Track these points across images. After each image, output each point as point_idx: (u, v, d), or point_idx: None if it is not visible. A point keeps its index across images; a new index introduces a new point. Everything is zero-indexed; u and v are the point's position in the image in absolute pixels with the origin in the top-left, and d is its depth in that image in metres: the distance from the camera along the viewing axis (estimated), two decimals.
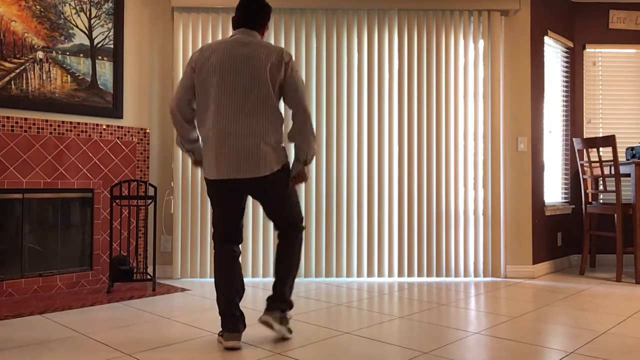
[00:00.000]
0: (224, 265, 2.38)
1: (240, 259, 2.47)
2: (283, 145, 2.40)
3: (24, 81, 3.38)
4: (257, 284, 3.79)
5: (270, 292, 3.34)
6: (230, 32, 3.99)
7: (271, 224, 3.97)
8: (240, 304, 3.17)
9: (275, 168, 2.33)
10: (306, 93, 2.43)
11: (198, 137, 2.47)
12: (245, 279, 3.93)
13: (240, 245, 2.49)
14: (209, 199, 3.97)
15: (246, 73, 2.30)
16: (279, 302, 2.43)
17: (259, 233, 3.99)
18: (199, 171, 3.97)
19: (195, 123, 2.43)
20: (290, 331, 2.47)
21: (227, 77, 2.30)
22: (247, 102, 2.29)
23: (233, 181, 2.32)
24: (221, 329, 2.37)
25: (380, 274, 4.01)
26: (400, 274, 4.02)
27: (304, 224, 2.61)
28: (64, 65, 3.56)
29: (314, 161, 3.98)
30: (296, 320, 2.80)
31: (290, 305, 2.48)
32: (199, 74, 2.34)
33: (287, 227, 2.47)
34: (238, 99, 2.29)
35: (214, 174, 2.33)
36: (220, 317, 2.43)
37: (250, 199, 3.99)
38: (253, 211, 3.99)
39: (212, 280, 3.92)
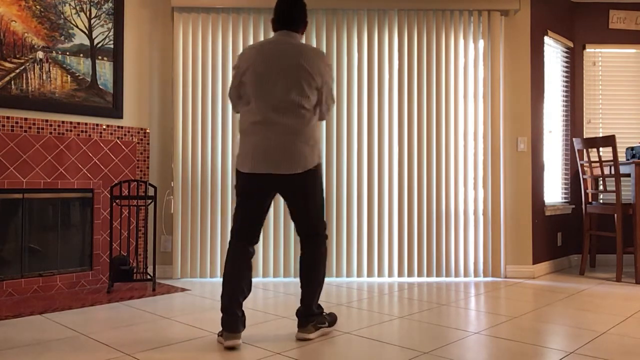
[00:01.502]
0: (235, 262, 2.38)
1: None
2: (318, 145, 2.44)
3: (24, 81, 3.38)
4: (257, 284, 3.79)
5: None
6: (231, 32, 4.00)
7: (272, 224, 3.98)
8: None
9: (309, 166, 2.37)
10: (334, 98, 2.56)
11: None
12: None
13: (255, 247, 2.50)
14: (204, 198, 3.97)
15: (286, 73, 2.36)
16: (309, 317, 2.46)
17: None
18: (198, 171, 3.97)
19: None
20: (330, 324, 2.55)
21: (268, 76, 2.36)
22: (285, 101, 2.35)
23: (266, 176, 2.36)
24: (221, 329, 2.38)
25: (380, 274, 4.01)
26: (400, 274, 4.02)
27: (326, 232, 2.61)
28: (64, 65, 3.56)
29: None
30: (296, 320, 2.80)
31: (320, 315, 2.51)
32: (243, 74, 2.42)
33: (310, 231, 2.46)
34: (277, 97, 2.35)
35: (249, 168, 2.36)
36: (221, 315, 2.43)
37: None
38: None
39: (212, 280, 3.93)
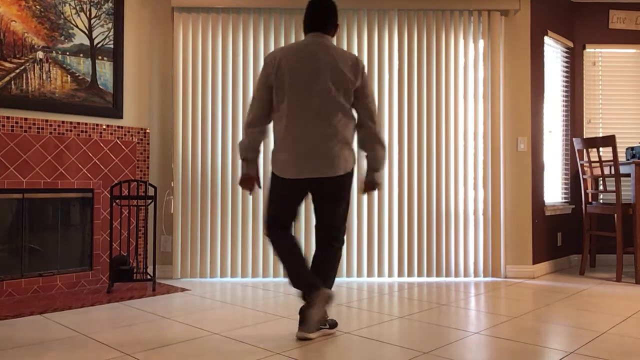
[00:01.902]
0: (285, 246, 2.40)
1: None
2: (354, 149, 2.45)
3: (24, 81, 3.38)
4: (257, 284, 3.79)
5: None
6: (231, 32, 4.00)
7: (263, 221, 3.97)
8: (239, 304, 3.18)
9: (348, 169, 2.39)
10: (375, 101, 2.51)
11: (260, 150, 2.53)
12: (245, 279, 3.94)
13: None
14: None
15: (321, 77, 2.35)
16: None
17: (258, 234, 3.99)
18: (198, 171, 3.97)
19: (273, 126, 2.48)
20: (332, 326, 2.52)
21: (303, 80, 2.35)
22: (322, 106, 2.35)
23: (306, 180, 2.37)
24: (304, 306, 2.35)
25: (380, 274, 4.01)
26: (400, 274, 4.02)
27: (345, 239, 2.61)
28: (64, 65, 3.56)
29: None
30: (296, 320, 2.80)
31: (325, 312, 2.49)
32: (275, 79, 2.39)
33: (332, 234, 2.46)
34: (313, 102, 2.35)
35: (291, 174, 2.36)
36: (303, 295, 2.38)
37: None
38: (253, 211, 3.99)
39: (212, 280, 3.93)
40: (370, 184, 2.48)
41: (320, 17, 2.45)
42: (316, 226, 2.52)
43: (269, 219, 2.47)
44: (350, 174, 2.43)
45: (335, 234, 2.48)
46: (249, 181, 2.50)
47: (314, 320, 2.36)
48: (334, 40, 3.80)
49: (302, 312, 2.41)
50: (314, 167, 2.34)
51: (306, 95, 2.35)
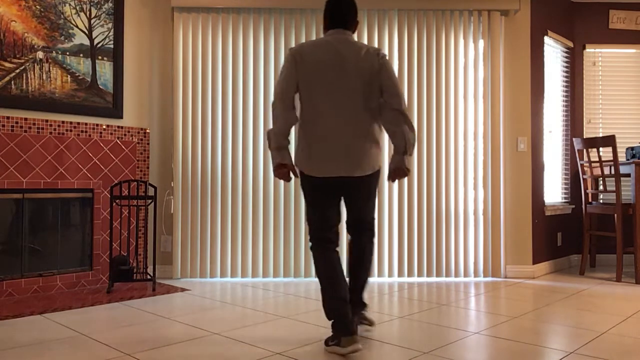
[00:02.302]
0: (328, 269, 2.31)
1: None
2: (381, 146, 2.44)
3: (24, 81, 3.38)
4: (257, 284, 3.79)
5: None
6: (231, 32, 4.00)
7: (272, 224, 3.97)
8: (239, 304, 3.18)
9: (376, 167, 2.38)
10: (403, 90, 2.48)
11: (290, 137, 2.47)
12: (245, 279, 3.94)
13: (337, 247, 2.44)
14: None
15: (347, 74, 2.32)
16: (355, 308, 2.45)
17: (258, 234, 3.99)
18: (198, 171, 3.97)
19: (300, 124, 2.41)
20: (372, 323, 2.53)
21: (328, 78, 2.31)
22: (348, 104, 2.31)
23: (336, 179, 2.35)
24: (332, 338, 2.25)
25: (380, 274, 4.01)
26: (400, 274, 4.02)
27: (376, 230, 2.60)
28: (64, 65, 3.56)
29: None
30: (296, 320, 2.80)
31: (364, 305, 2.52)
32: (301, 76, 2.34)
33: (365, 226, 2.47)
34: (340, 100, 2.31)
35: (321, 173, 2.33)
36: (331, 322, 2.27)
37: None
38: (253, 211, 3.99)
39: (212, 280, 3.93)
40: (399, 170, 2.35)
41: (341, 13, 2.41)
42: (347, 220, 2.50)
43: (312, 230, 2.40)
44: (379, 172, 2.43)
45: (367, 225, 2.49)
46: (284, 170, 2.38)
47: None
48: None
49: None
50: (343, 166, 2.31)
51: (332, 93, 2.31)
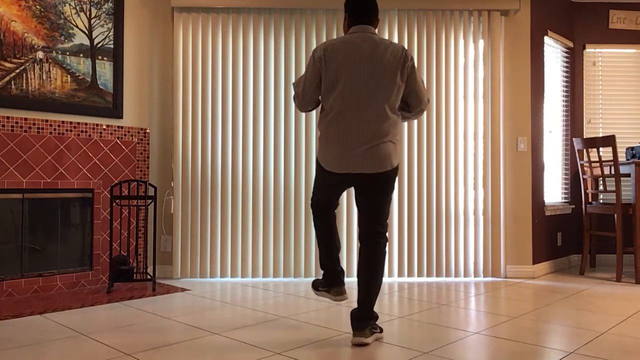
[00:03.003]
0: (325, 225, 2.57)
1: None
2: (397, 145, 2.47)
3: (24, 81, 3.38)
4: (257, 284, 3.79)
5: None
6: (231, 32, 4.00)
7: (272, 224, 3.97)
8: (239, 304, 3.18)
9: (395, 164, 2.40)
10: (425, 90, 2.53)
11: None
12: (245, 279, 3.95)
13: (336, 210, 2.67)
14: (205, 195, 3.97)
15: (372, 72, 2.33)
16: (366, 320, 2.40)
17: (258, 234, 3.99)
18: (198, 171, 3.97)
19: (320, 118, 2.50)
20: (381, 330, 2.52)
21: (354, 75, 2.33)
22: (373, 101, 2.33)
23: (351, 175, 2.39)
24: (324, 284, 2.59)
25: None
26: (400, 274, 4.02)
27: (387, 234, 2.64)
28: (64, 65, 3.56)
29: (311, 162, 3.98)
30: (296, 320, 2.80)
31: (376, 319, 2.49)
32: (325, 71, 2.37)
33: (376, 229, 2.44)
34: (364, 97, 2.33)
35: (337, 168, 2.39)
36: (323, 273, 2.61)
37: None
38: (253, 211, 3.99)
39: (212, 280, 3.93)
40: None
41: (366, 9, 2.42)
42: (359, 221, 2.49)
43: (314, 202, 2.60)
44: (395, 170, 2.42)
45: (379, 229, 2.44)
46: None
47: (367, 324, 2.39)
48: None
49: (355, 316, 2.40)
50: (361, 163, 2.34)
51: (354, 91, 2.33)
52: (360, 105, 2.33)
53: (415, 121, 4.03)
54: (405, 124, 4.03)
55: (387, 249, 2.49)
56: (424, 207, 4.03)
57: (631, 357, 2.22)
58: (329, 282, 2.57)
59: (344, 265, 3.99)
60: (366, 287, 2.40)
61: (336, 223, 2.63)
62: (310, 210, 2.70)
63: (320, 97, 2.46)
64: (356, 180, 2.40)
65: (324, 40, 4.02)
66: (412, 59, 2.39)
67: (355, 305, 3.00)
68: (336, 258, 2.58)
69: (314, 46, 4.02)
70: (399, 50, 2.36)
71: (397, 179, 2.53)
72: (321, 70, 2.38)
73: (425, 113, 4.05)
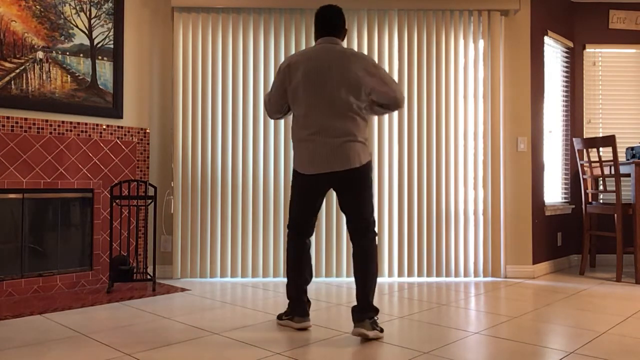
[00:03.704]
0: (297, 255, 2.64)
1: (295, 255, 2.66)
2: (367, 144, 2.57)
3: (24, 81, 3.38)
4: (257, 284, 3.79)
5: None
6: (231, 32, 4.00)
7: (272, 224, 3.97)
8: (239, 304, 3.18)
9: (363, 161, 2.50)
10: (400, 85, 2.66)
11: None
12: (245, 279, 3.94)
13: (310, 238, 2.73)
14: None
15: (333, 78, 2.49)
16: (365, 312, 2.47)
17: (258, 234, 3.99)
18: (198, 171, 3.97)
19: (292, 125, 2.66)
20: (382, 330, 2.51)
21: (316, 82, 2.50)
22: (335, 105, 2.48)
23: (324, 175, 2.50)
24: (287, 314, 2.66)
25: (380, 274, 4.01)
26: (400, 274, 4.02)
27: (376, 229, 2.71)
28: (64, 65, 3.56)
29: None
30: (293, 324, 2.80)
31: (376, 312, 2.50)
32: (289, 84, 2.57)
33: (362, 225, 2.53)
34: (327, 102, 2.48)
35: (309, 170, 2.53)
36: (288, 302, 2.72)
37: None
38: (253, 211, 3.99)
39: (212, 280, 3.93)
40: None
41: (330, 22, 2.58)
42: (347, 223, 2.58)
43: (290, 223, 2.67)
44: (366, 167, 2.52)
45: (365, 225, 2.54)
46: None
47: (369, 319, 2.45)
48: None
49: (355, 310, 2.48)
50: (329, 162, 2.47)
51: (319, 97, 2.49)
52: (326, 110, 2.48)
53: (416, 121, 4.04)
54: (406, 123, 4.03)
55: (376, 242, 2.57)
56: (424, 207, 4.03)
57: (631, 357, 2.22)
58: (293, 312, 2.64)
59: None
60: (362, 284, 2.50)
61: (309, 254, 2.68)
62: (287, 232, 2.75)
63: (290, 105, 2.63)
64: (330, 182, 2.52)
65: None
66: (372, 59, 2.54)
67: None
68: (304, 290, 2.65)
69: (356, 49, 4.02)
70: (360, 55, 2.53)
71: (372, 175, 2.58)
72: (285, 79, 2.57)
73: (403, 108, 4.05)
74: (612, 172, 4.42)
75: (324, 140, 2.48)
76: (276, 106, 2.67)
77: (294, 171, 2.62)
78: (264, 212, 3.99)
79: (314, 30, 2.64)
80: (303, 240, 2.65)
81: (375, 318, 2.50)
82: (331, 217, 3.99)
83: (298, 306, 2.62)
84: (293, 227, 2.66)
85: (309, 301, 2.68)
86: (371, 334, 2.42)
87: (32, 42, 3.41)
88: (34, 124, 3.42)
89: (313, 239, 4.00)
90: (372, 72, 2.50)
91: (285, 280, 3.94)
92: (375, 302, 3.23)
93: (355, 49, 4.04)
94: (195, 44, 4.00)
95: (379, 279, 3.97)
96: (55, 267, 3.54)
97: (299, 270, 2.63)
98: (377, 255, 2.57)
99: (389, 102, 2.53)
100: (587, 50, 4.83)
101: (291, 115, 2.70)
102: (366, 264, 2.50)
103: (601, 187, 4.67)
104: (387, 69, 4.04)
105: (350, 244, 3.99)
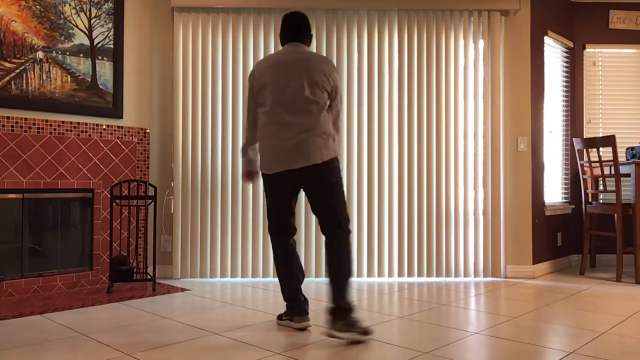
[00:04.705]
0: (284, 257, 2.64)
1: (288, 251, 2.66)
2: (332, 140, 2.57)
3: (24, 81, 3.38)
4: (257, 284, 3.79)
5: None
6: (231, 32, 4.00)
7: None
8: (239, 304, 3.18)
9: (325, 158, 2.50)
10: (343, 101, 2.71)
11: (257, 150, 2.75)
12: (245, 279, 3.94)
13: (294, 237, 2.73)
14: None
15: (295, 76, 2.52)
16: (339, 312, 2.40)
17: (258, 234, 3.99)
18: (198, 171, 3.97)
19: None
20: (366, 332, 2.38)
21: (279, 81, 2.53)
22: (297, 101, 2.51)
23: (288, 173, 2.51)
24: (287, 314, 2.65)
25: (380, 274, 4.01)
26: (400, 274, 4.02)
27: (350, 227, 2.73)
28: (64, 65, 3.56)
29: None
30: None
31: (351, 311, 2.41)
32: (256, 87, 2.61)
33: (332, 224, 2.52)
34: (289, 98, 2.51)
35: (272, 169, 2.54)
36: (285, 304, 2.68)
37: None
38: (253, 211, 3.99)
39: (212, 280, 3.93)
40: None
41: (295, 28, 2.64)
42: (319, 223, 2.57)
43: (270, 226, 2.69)
44: (331, 162, 2.52)
45: (337, 223, 2.52)
46: (249, 175, 2.77)
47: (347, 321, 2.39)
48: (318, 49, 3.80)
49: (328, 312, 2.43)
50: (291, 159, 2.48)
51: (282, 95, 2.52)
52: (288, 106, 2.51)
53: (416, 121, 4.03)
54: (406, 123, 4.03)
55: (350, 240, 2.54)
56: (424, 207, 4.03)
57: (631, 357, 2.22)
58: (292, 312, 2.63)
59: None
60: (334, 282, 2.45)
61: (296, 253, 2.68)
62: (269, 235, 2.74)
63: (258, 109, 2.66)
64: (295, 180, 2.53)
65: (324, 40, 4.03)
66: (331, 62, 2.60)
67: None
68: (298, 289, 2.64)
69: (314, 46, 4.02)
70: (325, 58, 2.59)
71: (339, 172, 2.57)
72: (253, 84, 2.62)
73: (344, 118, 4.04)
74: (612, 172, 4.42)
75: (285, 136, 2.49)
76: (254, 119, 2.68)
77: (262, 175, 2.64)
78: (264, 212, 3.99)
79: (280, 37, 2.69)
80: (286, 241, 2.65)
81: (354, 318, 2.40)
82: None
83: (296, 305, 2.61)
84: (273, 229, 2.66)
85: (306, 299, 2.67)
86: (345, 335, 2.35)
87: (32, 42, 3.41)
88: (34, 124, 3.42)
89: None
90: (333, 76, 2.57)
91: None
92: (376, 302, 3.23)
93: (356, 48, 4.05)
94: (195, 44, 4.00)
95: (379, 279, 3.97)
96: (55, 267, 3.54)
97: (288, 271, 2.63)
98: (351, 254, 2.50)
99: (334, 113, 2.62)
100: (587, 50, 4.83)
101: None
102: (337, 262, 2.45)
103: (601, 187, 4.67)
104: (387, 68, 4.04)
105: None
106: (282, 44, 2.69)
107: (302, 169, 2.49)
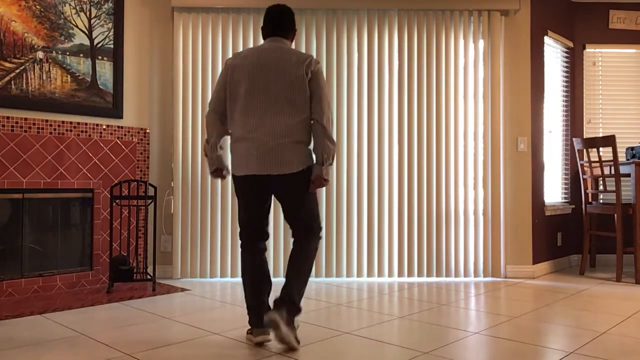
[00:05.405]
0: (248, 264, 2.44)
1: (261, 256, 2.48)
2: (309, 147, 2.42)
3: (24, 81, 3.38)
4: None
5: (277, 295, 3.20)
6: (231, 32, 4.00)
7: (271, 224, 3.97)
8: (239, 304, 3.18)
9: (299, 167, 2.35)
10: (330, 100, 2.48)
11: (223, 147, 2.54)
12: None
13: (266, 242, 2.54)
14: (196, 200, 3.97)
15: (275, 76, 2.37)
16: (286, 303, 2.29)
17: None
18: (198, 171, 3.97)
19: (228, 126, 2.50)
20: (298, 341, 2.31)
21: (256, 80, 2.37)
22: (275, 103, 2.36)
23: (259, 177, 2.36)
24: (249, 327, 2.49)
25: (380, 274, 4.01)
26: (400, 274, 4.02)
27: (322, 233, 2.58)
28: (64, 65, 3.56)
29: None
30: (295, 320, 2.80)
31: (298, 310, 2.34)
32: (230, 80, 2.42)
33: (303, 230, 2.42)
34: (266, 100, 2.36)
35: (243, 171, 2.38)
36: (247, 314, 2.49)
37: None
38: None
39: (212, 280, 3.93)
40: (317, 179, 2.38)
41: (279, 22, 2.49)
42: (291, 228, 2.47)
43: (240, 232, 2.49)
44: (303, 172, 2.37)
45: (307, 231, 2.42)
46: (218, 172, 2.54)
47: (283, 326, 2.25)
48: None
49: (275, 300, 2.33)
50: (263, 164, 2.33)
51: (261, 95, 2.37)
52: (266, 108, 2.36)
53: (416, 121, 4.03)
54: (406, 123, 4.03)
55: (317, 245, 2.43)
56: (424, 207, 4.03)
57: (631, 357, 2.22)
58: (251, 323, 2.42)
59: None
60: (289, 281, 2.36)
61: (267, 267, 2.47)
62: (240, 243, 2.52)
63: (227, 103, 2.46)
64: (269, 185, 2.38)
65: (324, 39, 4.03)
66: (317, 63, 2.42)
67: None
68: (263, 301, 2.42)
69: (314, 46, 4.02)
70: (305, 57, 2.41)
71: (309, 182, 2.41)
72: (227, 77, 2.43)
73: (328, 136, 4.04)
74: (612, 172, 4.42)
75: (262, 138, 2.33)
76: (217, 104, 2.46)
77: (232, 176, 2.48)
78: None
79: (262, 30, 2.54)
80: (257, 246, 2.46)
81: (295, 318, 2.33)
82: (331, 217, 3.99)
83: (257, 318, 2.39)
84: (241, 235, 2.48)
85: (268, 307, 2.43)
86: (284, 328, 2.23)
87: (32, 42, 3.41)
88: (34, 124, 3.42)
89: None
90: (314, 71, 2.39)
91: (283, 280, 3.94)
92: (376, 302, 3.23)
93: (356, 48, 4.05)
94: (195, 44, 4.00)
95: (379, 279, 3.97)
96: (55, 267, 3.54)
97: (257, 281, 2.42)
98: (313, 257, 2.42)
99: (319, 108, 2.38)
100: (587, 50, 4.83)
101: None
102: (299, 263, 2.37)
103: (601, 187, 4.67)
104: (387, 68, 4.04)
105: (350, 244, 3.99)
106: (264, 38, 2.53)
107: (277, 175, 2.34)
